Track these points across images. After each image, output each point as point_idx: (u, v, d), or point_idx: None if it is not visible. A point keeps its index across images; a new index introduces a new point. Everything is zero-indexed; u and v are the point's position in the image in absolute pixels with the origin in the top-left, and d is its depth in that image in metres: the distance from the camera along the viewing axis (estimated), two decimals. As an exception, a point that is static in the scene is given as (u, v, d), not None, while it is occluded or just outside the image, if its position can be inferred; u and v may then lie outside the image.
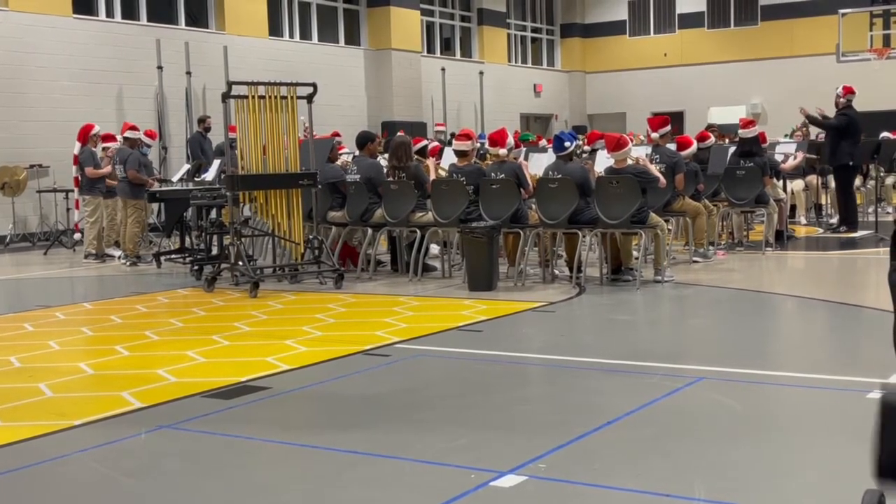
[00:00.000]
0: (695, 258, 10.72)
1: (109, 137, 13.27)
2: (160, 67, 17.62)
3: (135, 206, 12.45)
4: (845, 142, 13.23)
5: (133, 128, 12.98)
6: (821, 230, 14.22)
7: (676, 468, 4.10)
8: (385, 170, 10.73)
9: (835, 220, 14.18)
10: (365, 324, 7.73)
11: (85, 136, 13.41)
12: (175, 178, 13.76)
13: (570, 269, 9.60)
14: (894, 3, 24.09)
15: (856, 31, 23.51)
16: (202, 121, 16.75)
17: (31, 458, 4.51)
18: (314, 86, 10.10)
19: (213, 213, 11.72)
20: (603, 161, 10.81)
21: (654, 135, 11.10)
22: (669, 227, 10.50)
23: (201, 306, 8.82)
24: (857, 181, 15.76)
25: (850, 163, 13.33)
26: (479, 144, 11.51)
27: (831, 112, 13.79)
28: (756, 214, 13.01)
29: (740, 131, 11.95)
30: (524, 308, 8.23)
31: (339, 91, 21.00)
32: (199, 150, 16.17)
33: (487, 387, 5.67)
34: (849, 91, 13.50)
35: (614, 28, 30.08)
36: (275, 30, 20.67)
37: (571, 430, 4.63)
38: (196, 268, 10.77)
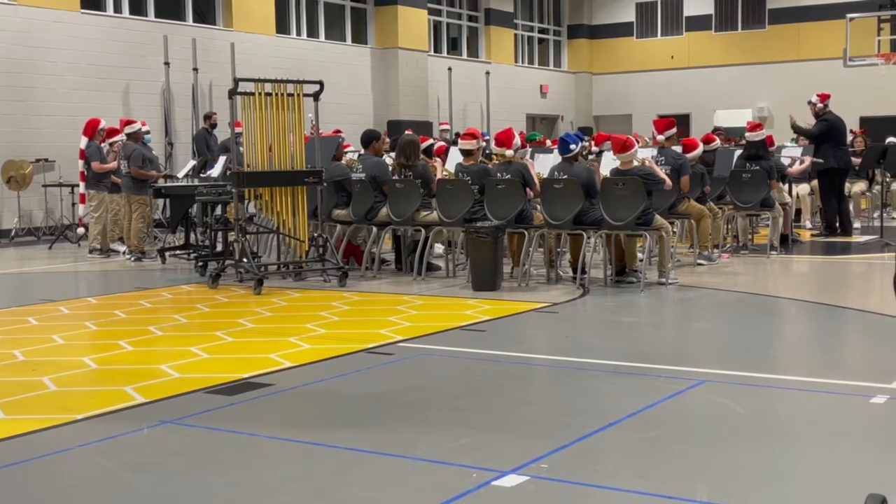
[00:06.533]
0: (699, 261, 10.71)
1: (113, 132, 13.29)
2: (167, 63, 17.64)
3: (138, 202, 12.48)
4: (826, 145, 13.24)
5: (130, 122, 13.02)
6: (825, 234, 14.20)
7: (679, 470, 4.10)
8: (391, 168, 10.74)
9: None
10: (368, 322, 7.73)
11: (91, 130, 13.44)
12: (181, 175, 13.78)
13: (574, 271, 9.60)
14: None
15: (863, 35, 23.48)
16: (208, 117, 16.78)
17: (34, 451, 4.52)
18: (321, 84, 10.10)
19: (218, 210, 11.73)
20: (608, 162, 10.81)
21: (660, 137, 11.08)
22: (674, 230, 10.50)
23: (205, 302, 8.83)
24: (863, 186, 15.76)
25: (835, 166, 13.29)
26: (484, 143, 11.52)
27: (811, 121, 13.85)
28: (761, 218, 13.00)
29: (747, 134, 11.92)
30: (528, 308, 8.23)
31: (345, 89, 21.01)
32: (205, 147, 16.19)
33: (490, 386, 5.66)
34: (825, 98, 13.58)
35: (621, 30, 30.07)
36: (282, 27, 20.68)
37: (574, 430, 4.62)
38: (200, 264, 10.78)
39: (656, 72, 29.10)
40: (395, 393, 5.51)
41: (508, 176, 9.60)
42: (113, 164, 12.89)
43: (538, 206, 9.71)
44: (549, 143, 16.82)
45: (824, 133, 13.33)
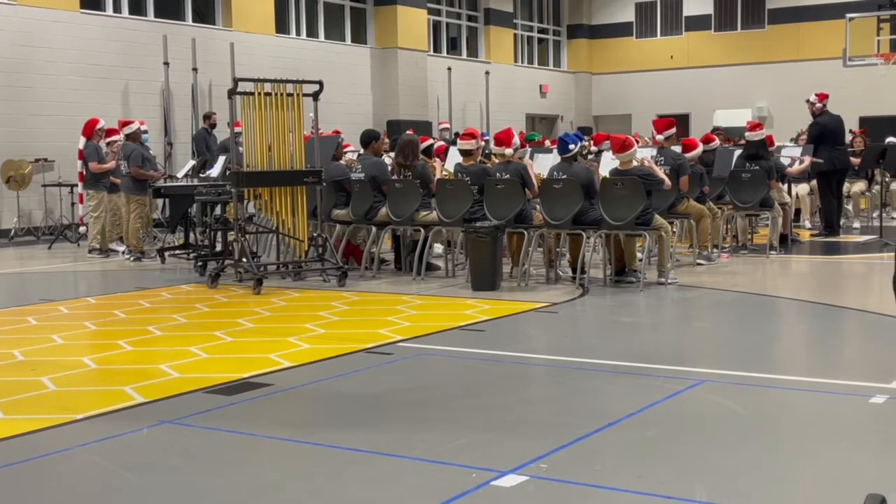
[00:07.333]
0: (698, 261, 10.72)
1: (112, 132, 13.30)
2: (167, 63, 17.64)
3: (137, 202, 12.49)
4: (821, 147, 13.25)
5: (128, 122, 13.02)
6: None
7: (678, 470, 4.10)
8: (390, 168, 10.74)
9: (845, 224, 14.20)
10: (367, 322, 7.73)
11: (90, 130, 13.43)
12: (180, 175, 13.78)
13: (574, 270, 9.60)
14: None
15: (863, 35, 23.49)
16: (208, 117, 16.77)
17: (34, 451, 4.52)
18: (320, 83, 10.10)
19: (218, 210, 11.73)
20: (608, 162, 10.81)
21: (660, 137, 11.09)
22: (674, 230, 10.50)
23: (204, 302, 8.83)
24: (863, 185, 15.76)
25: (829, 168, 13.30)
26: (483, 143, 11.51)
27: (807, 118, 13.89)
28: (760, 218, 13.00)
29: (747, 134, 11.93)
30: (527, 308, 8.23)
31: (344, 89, 21.01)
32: (205, 147, 16.18)
33: (489, 386, 5.66)
34: (823, 97, 13.60)
35: (621, 30, 30.08)
36: (281, 27, 20.68)
37: (573, 430, 4.62)
38: (200, 264, 10.78)
39: (656, 72, 29.10)
40: (394, 393, 5.51)
41: (507, 176, 9.60)
42: (111, 165, 12.89)
43: (538, 206, 9.71)
44: (548, 143, 16.82)
45: (816, 137, 13.37)
